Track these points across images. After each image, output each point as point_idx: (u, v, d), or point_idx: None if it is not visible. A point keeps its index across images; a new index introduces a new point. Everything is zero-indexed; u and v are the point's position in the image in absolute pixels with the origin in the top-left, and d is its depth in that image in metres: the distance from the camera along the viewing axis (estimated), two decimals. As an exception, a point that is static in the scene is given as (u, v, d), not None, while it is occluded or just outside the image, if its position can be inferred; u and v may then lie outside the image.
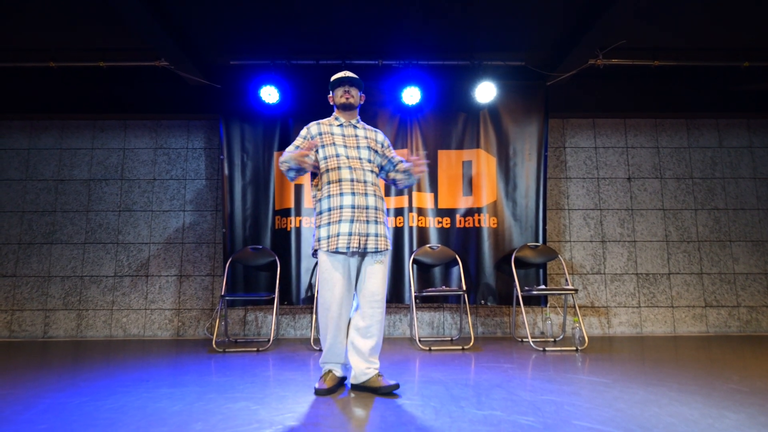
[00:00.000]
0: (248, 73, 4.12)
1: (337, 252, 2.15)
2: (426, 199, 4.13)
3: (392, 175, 2.39)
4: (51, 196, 4.39)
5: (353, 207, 2.14)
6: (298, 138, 2.33)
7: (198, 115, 4.47)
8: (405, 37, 3.93)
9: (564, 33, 3.85)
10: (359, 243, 2.13)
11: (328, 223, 2.16)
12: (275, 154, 4.16)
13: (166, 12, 3.49)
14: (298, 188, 4.10)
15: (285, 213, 4.07)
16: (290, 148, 2.28)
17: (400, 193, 4.10)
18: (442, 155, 4.18)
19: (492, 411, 1.85)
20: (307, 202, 4.09)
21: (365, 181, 2.20)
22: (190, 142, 4.49)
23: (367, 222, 2.16)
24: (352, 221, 2.13)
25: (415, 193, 4.11)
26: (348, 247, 2.11)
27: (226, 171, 4.10)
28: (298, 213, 4.06)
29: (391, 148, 2.42)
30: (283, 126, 4.18)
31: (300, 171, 2.21)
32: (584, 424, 1.67)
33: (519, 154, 4.17)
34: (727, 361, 2.91)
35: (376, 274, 2.17)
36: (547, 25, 3.77)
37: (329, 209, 2.17)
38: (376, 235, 2.17)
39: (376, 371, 2.18)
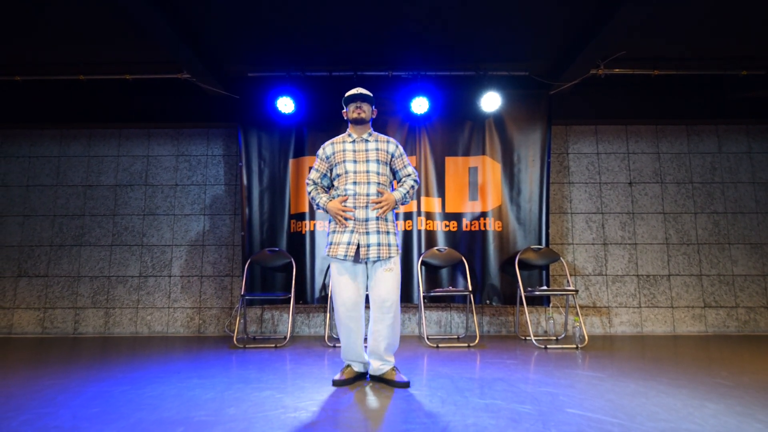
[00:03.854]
0: (265, 85, 4.35)
1: (337, 258, 2.35)
2: (434, 204, 4.33)
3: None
4: (80, 201, 4.66)
5: (354, 220, 2.34)
6: (316, 161, 2.53)
7: (217, 124, 4.71)
8: (413, 49, 4.12)
9: (566, 44, 4.02)
10: (357, 253, 2.32)
11: (334, 232, 2.40)
12: (291, 161, 4.39)
13: (189, 27, 3.72)
14: (312, 193, 4.32)
15: (300, 217, 4.30)
16: (313, 175, 2.51)
17: (409, 198, 4.30)
18: (449, 161, 4.37)
19: (493, 400, 2.05)
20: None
21: (368, 194, 2.36)
22: (210, 150, 4.74)
23: (368, 233, 2.33)
24: (352, 232, 2.34)
25: (423, 198, 4.31)
26: (345, 256, 2.31)
27: (244, 177, 4.34)
28: (312, 217, 4.28)
29: (402, 157, 2.51)
30: (298, 134, 4.41)
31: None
32: (576, 412, 1.86)
33: (523, 161, 4.35)
34: (720, 360, 3.07)
35: (386, 281, 2.33)
36: (550, 37, 3.94)
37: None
38: (378, 245, 2.33)
39: (391, 366, 2.40)
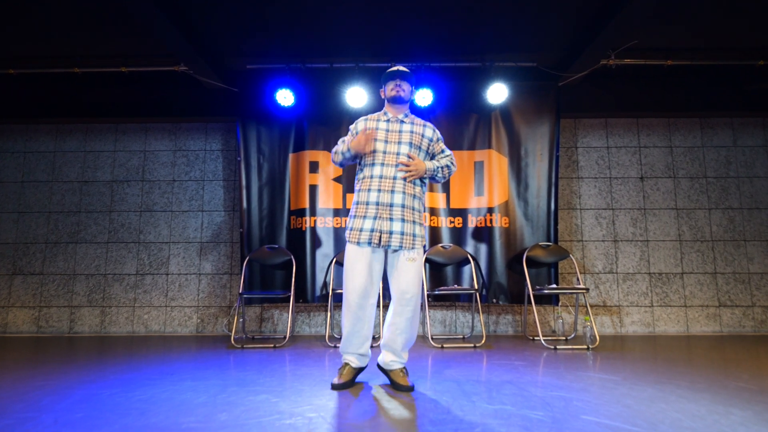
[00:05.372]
0: (264, 77, 4.23)
1: (359, 244, 2.20)
2: (438, 199, 4.20)
3: None
4: (76, 197, 4.56)
5: (377, 204, 2.19)
6: (349, 135, 2.41)
7: (216, 118, 4.59)
8: (417, 39, 3.99)
9: (576, 34, 3.88)
10: (380, 240, 2.17)
11: (355, 216, 2.24)
12: (290, 155, 4.26)
13: (186, 18, 3.61)
14: (313, 189, 4.19)
15: (300, 213, 4.18)
16: (340, 141, 2.40)
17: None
18: (454, 156, 4.22)
19: (502, 406, 1.92)
20: (322, 202, 4.18)
21: (394, 178, 2.20)
22: (208, 144, 4.62)
23: (391, 219, 2.17)
24: (375, 218, 2.18)
25: (427, 194, 4.18)
26: (369, 242, 2.17)
27: (243, 172, 4.22)
28: (313, 213, 4.16)
29: (440, 142, 2.39)
30: (298, 128, 4.28)
31: (354, 158, 2.33)
32: (592, 419, 1.73)
33: (530, 155, 4.21)
34: (738, 361, 2.93)
35: (407, 272, 2.18)
36: (559, 27, 3.80)
37: (358, 203, 2.26)
38: (402, 234, 2.17)
39: (402, 365, 2.27)
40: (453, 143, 4.24)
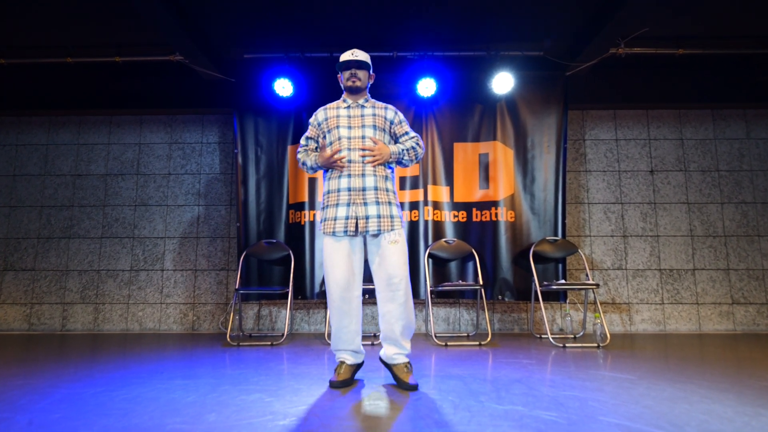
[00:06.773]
0: (262, 67, 4.10)
1: (335, 235, 2.11)
2: (442, 193, 4.06)
3: None
4: (69, 191, 4.44)
5: (349, 189, 2.10)
6: (309, 128, 2.34)
7: (212, 110, 4.47)
8: (420, 28, 3.86)
9: (584, 22, 3.74)
10: (357, 226, 2.09)
11: (327, 206, 2.16)
12: (289, 147, 4.14)
13: (181, 6, 3.49)
14: (312, 182, 4.06)
15: (299, 207, 4.05)
16: (303, 141, 2.35)
17: (415, 186, 4.04)
18: (458, 148, 4.10)
19: (513, 406, 1.78)
20: (321, 195, 4.05)
21: (363, 161, 2.13)
22: (205, 137, 4.50)
23: (365, 204, 2.09)
24: (348, 204, 2.10)
25: (430, 187, 4.04)
26: (345, 231, 2.08)
27: (240, 165, 4.09)
28: (312, 207, 4.03)
29: (402, 124, 2.29)
30: (297, 119, 4.15)
31: (324, 169, 2.27)
32: (611, 420, 1.60)
33: (537, 147, 4.07)
34: (757, 360, 2.79)
35: (391, 255, 2.08)
36: (567, 14, 3.67)
37: (329, 192, 2.17)
38: (378, 216, 2.09)
39: (406, 360, 2.16)
40: (457, 135, 4.11)
